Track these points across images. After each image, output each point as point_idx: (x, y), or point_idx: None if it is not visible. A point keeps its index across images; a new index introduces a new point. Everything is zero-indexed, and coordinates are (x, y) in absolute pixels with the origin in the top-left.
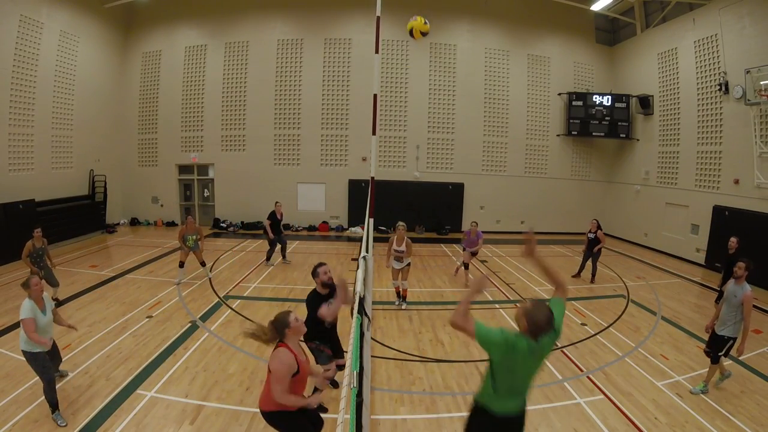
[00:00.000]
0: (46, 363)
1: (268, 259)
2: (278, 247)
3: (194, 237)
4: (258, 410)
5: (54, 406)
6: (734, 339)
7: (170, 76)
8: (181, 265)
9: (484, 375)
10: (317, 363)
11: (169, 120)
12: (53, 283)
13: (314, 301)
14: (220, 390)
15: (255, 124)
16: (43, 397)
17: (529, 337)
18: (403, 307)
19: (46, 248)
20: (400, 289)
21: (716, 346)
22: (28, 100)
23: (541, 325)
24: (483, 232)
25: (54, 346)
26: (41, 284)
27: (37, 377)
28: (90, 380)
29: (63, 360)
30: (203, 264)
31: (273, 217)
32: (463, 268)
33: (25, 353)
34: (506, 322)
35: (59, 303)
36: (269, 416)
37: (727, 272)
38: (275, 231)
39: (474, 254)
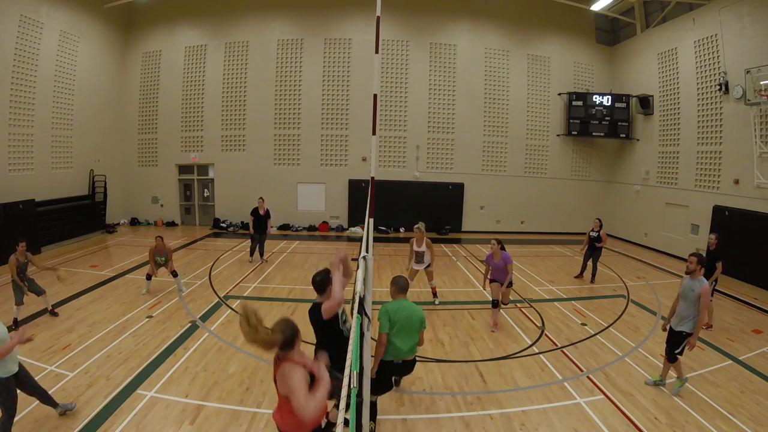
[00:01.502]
0: (12, 393)
1: (251, 254)
2: (259, 245)
3: (163, 258)
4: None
5: None
6: (692, 335)
7: (170, 76)
8: (148, 277)
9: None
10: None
11: (169, 120)
12: (39, 292)
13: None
14: (220, 390)
15: (255, 124)
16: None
17: (401, 294)
18: (436, 303)
19: (29, 261)
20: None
21: (673, 343)
22: (28, 100)
23: (405, 284)
24: (483, 232)
25: (37, 388)
26: None
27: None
28: (90, 380)
29: (62, 360)
30: (174, 274)
31: (255, 213)
32: (492, 306)
33: None
34: (506, 322)
35: (54, 313)
36: None
37: (708, 269)
38: (254, 228)
39: (509, 285)
